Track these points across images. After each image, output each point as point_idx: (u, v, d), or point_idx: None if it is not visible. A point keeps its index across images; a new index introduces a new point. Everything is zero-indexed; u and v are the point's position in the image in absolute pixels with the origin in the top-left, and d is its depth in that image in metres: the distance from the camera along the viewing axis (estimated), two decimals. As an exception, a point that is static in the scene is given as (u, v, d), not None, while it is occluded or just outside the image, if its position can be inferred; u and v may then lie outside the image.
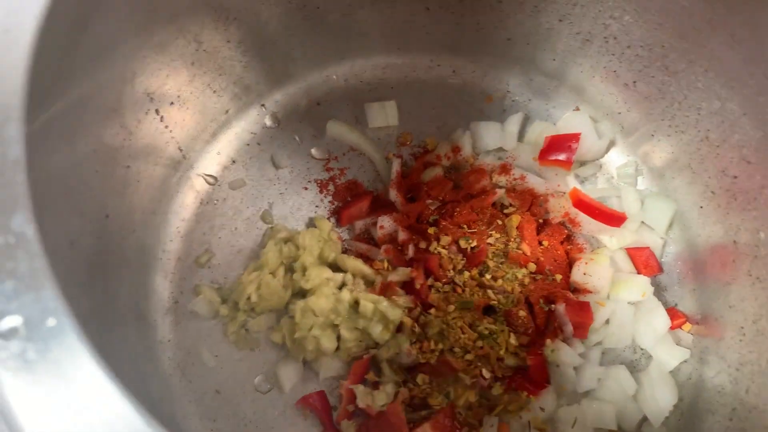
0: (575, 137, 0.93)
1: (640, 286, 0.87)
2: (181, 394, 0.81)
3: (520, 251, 0.87)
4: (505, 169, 0.93)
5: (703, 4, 0.72)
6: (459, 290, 0.85)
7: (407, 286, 0.85)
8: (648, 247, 0.90)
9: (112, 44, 0.65)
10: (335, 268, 0.87)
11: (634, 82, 0.88)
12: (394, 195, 0.91)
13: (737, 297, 0.79)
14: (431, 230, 0.88)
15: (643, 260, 0.89)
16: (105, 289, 0.72)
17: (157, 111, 0.78)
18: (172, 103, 0.80)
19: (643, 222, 0.91)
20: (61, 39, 0.54)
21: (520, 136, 0.96)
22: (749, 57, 0.70)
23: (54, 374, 0.36)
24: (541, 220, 0.91)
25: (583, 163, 0.95)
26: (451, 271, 0.85)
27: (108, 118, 0.68)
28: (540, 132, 0.95)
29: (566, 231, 0.91)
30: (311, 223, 0.91)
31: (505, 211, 0.90)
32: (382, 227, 0.89)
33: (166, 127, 0.80)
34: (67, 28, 0.55)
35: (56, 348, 0.36)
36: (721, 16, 0.70)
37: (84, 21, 0.58)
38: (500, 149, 0.95)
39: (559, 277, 0.87)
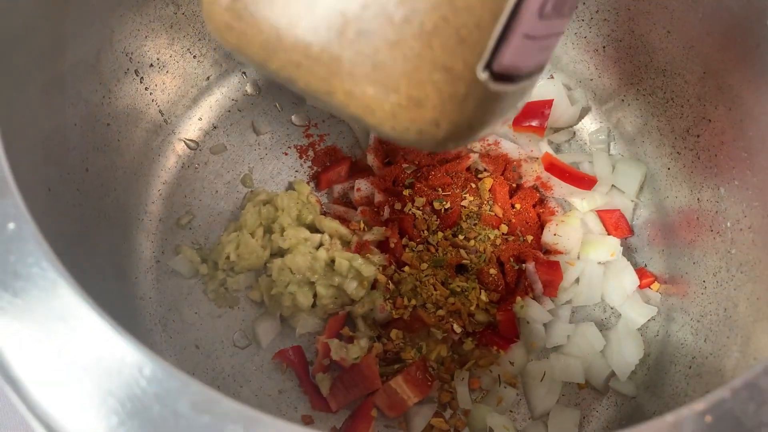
0: (548, 104, 0.95)
1: (609, 246, 0.89)
2: (161, 349, 0.84)
3: (492, 213, 0.90)
4: (479, 135, 0.95)
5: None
6: (432, 249, 0.87)
7: (382, 245, 0.88)
8: (618, 210, 0.92)
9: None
10: (313, 229, 0.89)
11: (604, 47, 0.90)
12: (371, 159, 0.93)
13: (700, 253, 0.81)
14: (406, 192, 0.90)
15: (613, 222, 0.92)
16: (85, 243, 0.74)
17: (136, 72, 0.80)
18: (151, 65, 0.82)
19: (614, 186, 0.94)
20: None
21: (496, 103, 0.98)
22: (707, 15, 0.72)
23: (12, 273, 0.38)
24: (514, 185, 0.94)
25: (557, 130, 0.98)
26: (425, 231, 0.88)
27: (86, 74, 0.71)
28: (515, 100, 0.98)
29: (538, 194, 0.93)
30: (291, 187, 0.93)
31: (479, 175, 0.93)
32: (359, 189, 0.91)
33: (146, 89, 0.83)
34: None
35: (16, 251, 0.39)
36: (680, -25, 0.73)
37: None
38: (476, 116, 0.98)
39: (530, 238, 0.89)
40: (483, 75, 0.38)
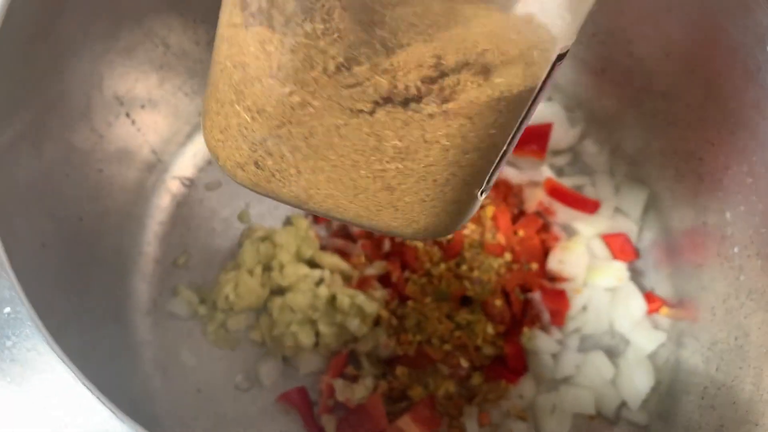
0: (548, 127, 0.94)
1: (616, 271, 0.88)
2: (162, 394, 0.82)
3: (495, 242, 0.88)
4: (479, 161, 0.94)
5: (660, -11, 0.73)
6: (435, 282, 0.85)
7: (384, 279, 0.86)
8: (623, 233, 0.91)
9: (77, 49, 0.66)
10: (313, 265, 0.88)
11: (603, 69, 0.89)
12: (369, 191, 0.92)
13: (708, 278, 0.80)
14: (407, 224, 0.89)
15: (618, 246, 0.90)
16: (81, 291, 0.73)
17: (127, 114, 0.79)
18: (143, 106, 0.81)
19: (618, 209, 0.92)
20: (23, 44, 0.55)
21: (494, 128, 0.97)
22: (705, 40, 0.71)
23: (9, 359, 0.37)
24: (516, 211, 0.92)
25: (557, 153, 0.96)
26: (428, 263, 0.86)
27: (77, 123, 0.69)
28: (513, 124, 0.97)
29: (541, 220, 0.91)
30: (289, 222, 0.92)
31: (480, 202, 0.92)
32: (358, 222, 0.90)
33: (138, 130, 0.81)
34: (29, 34, 0.56)
35: (13, 335, 0.37)
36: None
37: (46, 26, 0.59)
38: (474, 142, 0.97)
39: (534, 266, 0.88)
40: (481, 196, 0.49)
